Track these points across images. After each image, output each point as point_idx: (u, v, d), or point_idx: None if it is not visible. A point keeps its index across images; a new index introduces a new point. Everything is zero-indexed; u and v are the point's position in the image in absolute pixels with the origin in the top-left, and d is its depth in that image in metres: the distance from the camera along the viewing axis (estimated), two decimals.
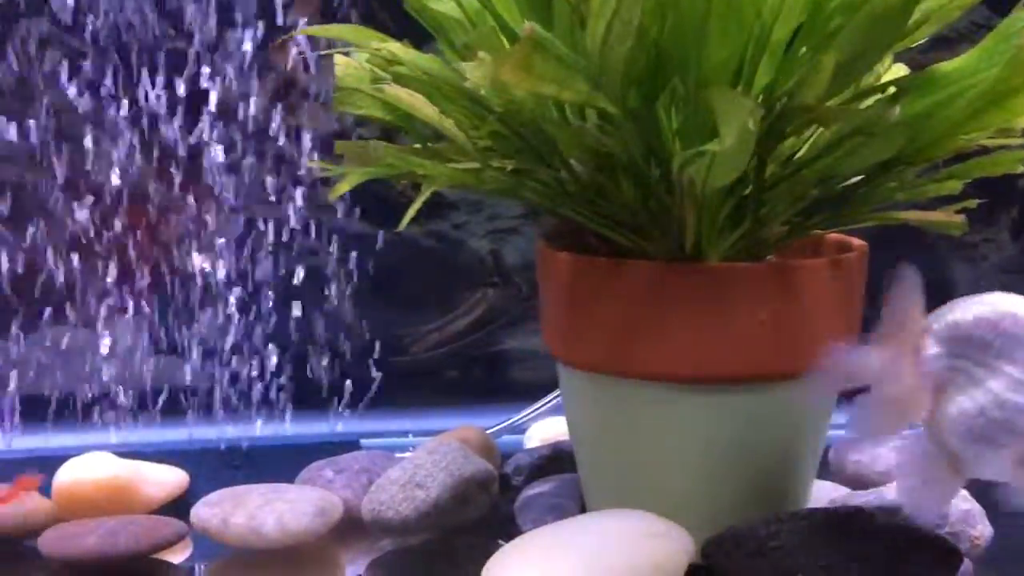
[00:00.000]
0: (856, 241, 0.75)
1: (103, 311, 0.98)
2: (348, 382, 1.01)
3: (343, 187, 0.69)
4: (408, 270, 1.06)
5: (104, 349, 0.98)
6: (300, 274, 1.01)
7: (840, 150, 0.65)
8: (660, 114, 0.65)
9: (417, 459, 0.79)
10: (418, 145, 0.71)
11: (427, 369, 1.07)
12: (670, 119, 0.66)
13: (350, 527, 0.79)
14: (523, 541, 0.65)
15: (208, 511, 0.75)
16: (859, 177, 0.68)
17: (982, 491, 0.73)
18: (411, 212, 0.66)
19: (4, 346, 0.98)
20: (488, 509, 0.80)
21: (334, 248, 1.02)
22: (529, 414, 0.98)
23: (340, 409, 1.01)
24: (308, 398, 1.00)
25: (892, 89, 0.65)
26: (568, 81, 0.56)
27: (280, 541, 0.74)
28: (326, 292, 1.02)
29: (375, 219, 1.03)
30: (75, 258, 0.98)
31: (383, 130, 0.91)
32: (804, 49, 0.64)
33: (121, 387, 0.99)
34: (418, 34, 0.73)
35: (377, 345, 1.03)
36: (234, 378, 1.00)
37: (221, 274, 0.99)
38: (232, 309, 0.99)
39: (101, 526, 0.74)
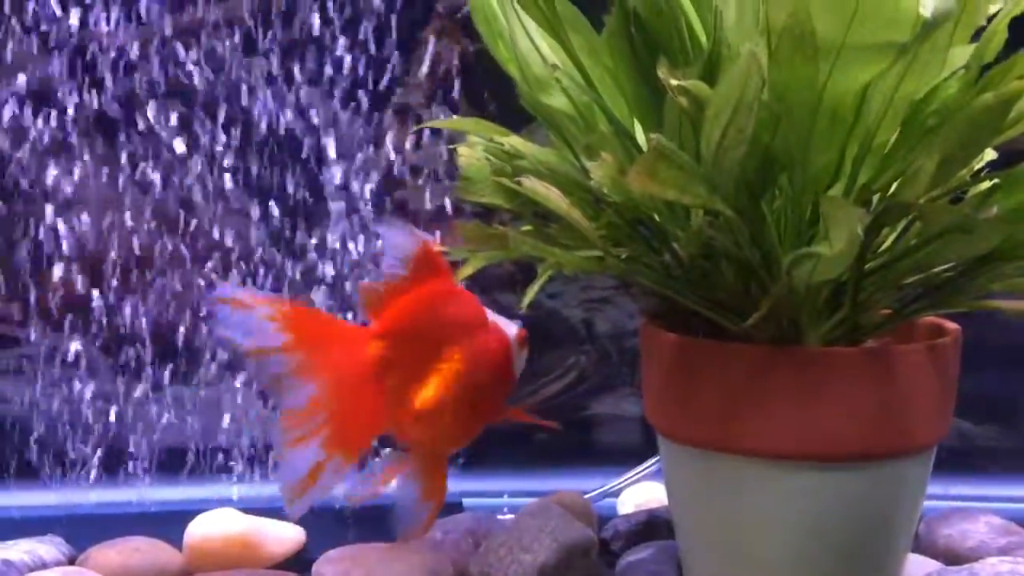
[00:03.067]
0: (950, 325, 0.78)
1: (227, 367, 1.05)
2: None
3: (467, 269, 0.74)
4: None
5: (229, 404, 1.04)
6: None
7: (938, 243, 0.69)
8: (764, 209, 0.70)
9: (521, 523, 0.83)
10: (534, 229, 0.76)
11: (521, 431, 1.12)
12: (772, 212, 0.71)
13: None
14: None
15: (330, 568, 0.80)
16: (955, 267, 0.72)
17: None
18: (531, 293, 0.71)
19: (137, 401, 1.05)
20: (589, 574, 0.83)
21: None
22: (626, 480, 1.02)
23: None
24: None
25: (987, 184, 0.69)
26: (688, 187, 0.61)
27: None
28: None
29: (475, 291, 1.09)
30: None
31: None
32: (903, 149, 0.68)
33: (241, 443, 1.05)
34: (518, 119, 0.80)
35: None
36: None
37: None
38: None
39: None
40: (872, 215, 0.66)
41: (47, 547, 0.85)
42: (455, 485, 1.05)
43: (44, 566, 0.83)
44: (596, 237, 0.69)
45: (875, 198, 0.71)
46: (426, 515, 0.78)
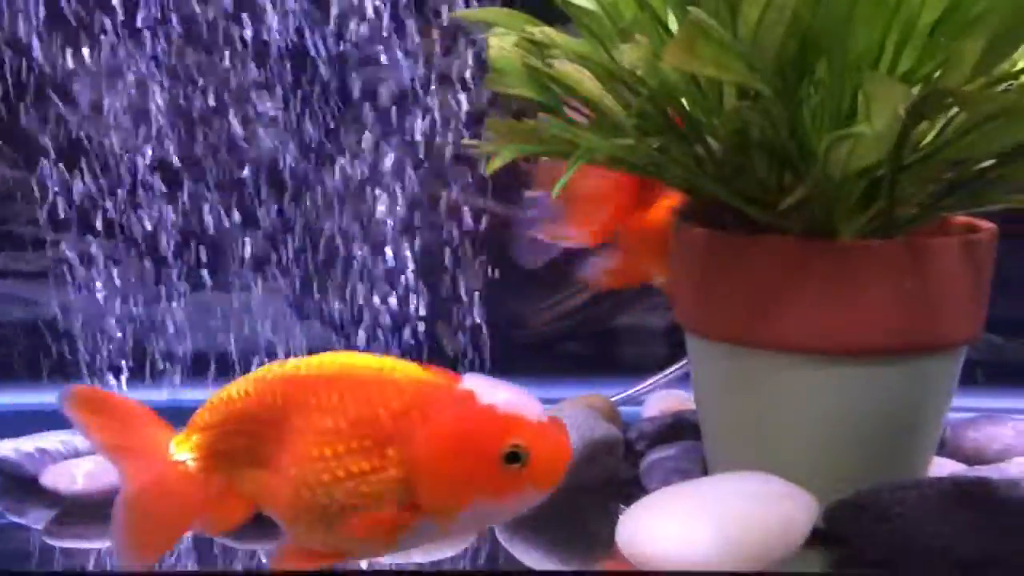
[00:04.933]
0: (985, 223, 0.77)
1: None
2: (473, 351, 1.07)
3: (497, 162, 0.74)
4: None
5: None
6: (428, 249, 1.06)
7: (976, 133, 0.67)
8: (802, 94, 0.68)
9: None
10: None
11: (543, 343, 1.12)
12: (809, 99, 0.69)
13: None
14: (660, 496, 0.69)
15: None
16: (994, 160, 0.70)
17: None
18: (563, 179, 0.70)
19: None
20: (614, 471, 0.84)
21: (462, 225, 1.07)
22: (651, 384, 1.02)
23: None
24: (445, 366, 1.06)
25: None
26: (727, 63, 0.60)
27: None
28: (454, 268, 1.08)
29: (498, 196, 1.08)
30: None
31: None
32: (945, 35, 0.66)
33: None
34: (549, 18, 0.78)
35: (498, 318, 1.08)
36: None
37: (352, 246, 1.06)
38: (354, 280, 1.05)
39: None
40: (913, 101, 0.65)
41: (81, 438, 0.86)
42: None
43: (78, 455, 0.85)
44: (628, 124, 0.68)
45: (916, 89, 0.69)
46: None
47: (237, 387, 0.58)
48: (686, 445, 0.85)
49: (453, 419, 0.54)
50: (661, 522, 0.66)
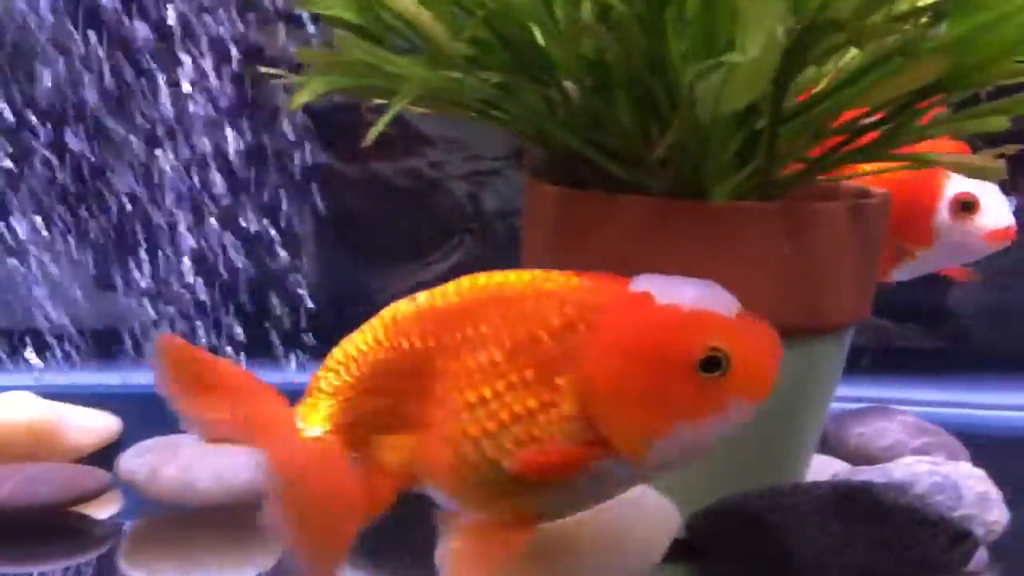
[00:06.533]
0: (878, 189, 0.68)
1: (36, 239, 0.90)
2: (307, 331, 0.93)
3: (303, 95, 0.60)
4: (378, 211, 0.97)
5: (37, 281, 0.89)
6: (257, 211, 0.92)
7: (869, 78, 0.57)
8: (668, 26, 0.57)
9: None
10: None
11: None
12: (676, 29, 0.58)
13: None
14: None
15: (136, 461, 0.67)
16: (889, 111, 0.60)
17: (1001, 473, 0.66)
18: (381, 124, 0.58)
19: None
20: None
21: (296, 184, 0.93)
22: None
23: (299, 358, 0.92)
24: (260, 346, 0.92)
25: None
26: None
27: (217, 499, 0.66)
28: (286, 233, 0.94)
29: (341, 153, 0.95)
30: None
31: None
32: None
33: (54, 323, 0.90)
34: None
35: (340, 293, 0.94)
36: (184, 319, 0.91)
37: (169, 208, 0.90)
38: (181, 246, 0.90)
39: (18, 473, 0.66)
40: (795, 34, 0.54)
41: None
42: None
43: None
44: (456, 52, 0.56)
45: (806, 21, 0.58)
46: None
47: (362, 338, 0.47)
48: None
49: (631, 327, 0.44)
50: None
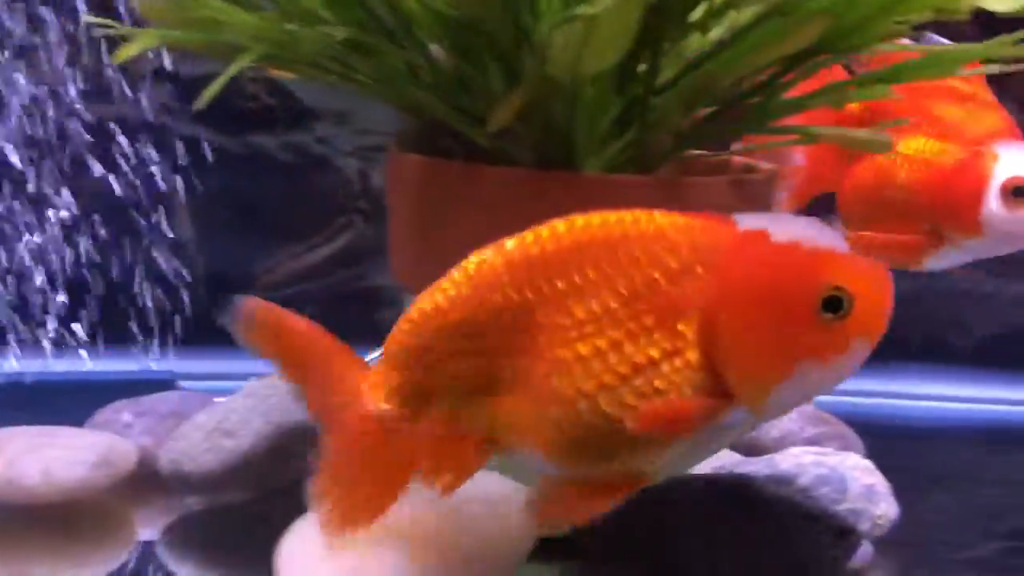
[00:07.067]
0: (764, 164, 0.64)
1: None
2: (179, 315, 0.87)
3: (131, 48, 0.54)
4: (261, 188, 0.91)
5: None
6: (124, 187, 0.85)
7: (746, 41, 0.53)
8: None
9: (232, 403, 0.65)
10: None
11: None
12: None
13: (147, 482, 0.65)
14: None
15: None
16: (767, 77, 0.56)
17: (889, 465, 0.63)
18: (216, 85, 0.52)
19: None
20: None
21: (169, 159, 0.86)
22: (373, 358, 0.85)
23: (168, 346, 0.86)
24: (120, 332, 0.85)
25: None
26: None
27: (45, 496, 0.60)
28: (158, 210, 0.87)
29: (221, 127, 0.88)
30: None
31: None
32: None
33: None
34: None
35: (216, 277, 0.88)
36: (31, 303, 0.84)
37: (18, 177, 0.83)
38: (32, 221, 0.83)
39: None
40: None
41: None
42: (187, 365, 0.87)
43: None
44: (305, 2, 0.50)
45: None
46: None
47: (442, 293, 0.44)
48: None
49: (751, 268, 0.41)
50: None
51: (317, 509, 0.45)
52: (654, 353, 0.41)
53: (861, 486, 0.63)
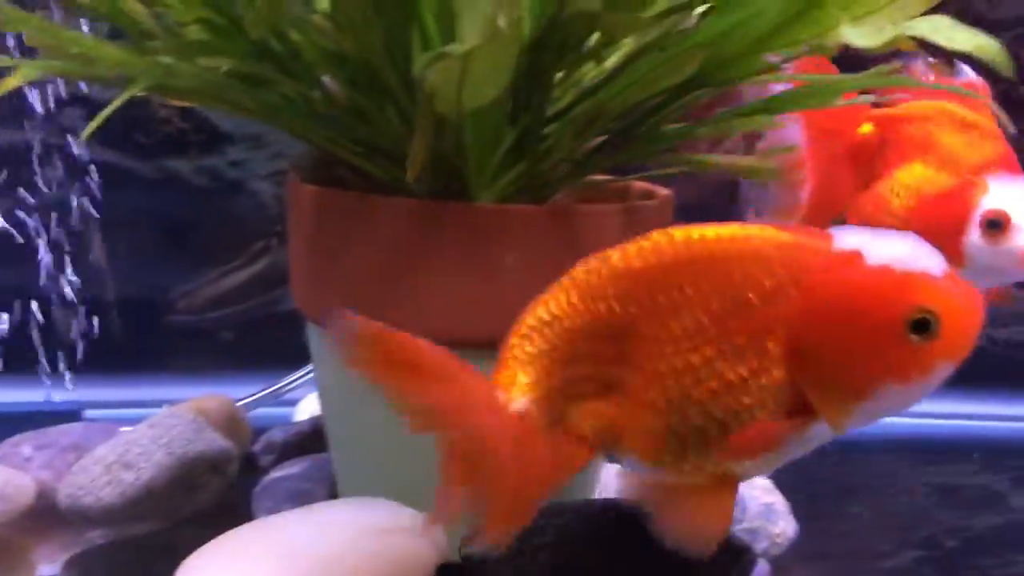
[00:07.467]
0: (662, 190, 0.65)
1: None
2: (83, 344, 0.85)
3: (14, 80, 0.54)
4: (175, 212, 0.90)
5: None
6: (32, 213, 0.84)
7: (630, 74, 0.54)
8: (416, 24, 0.53)
9: (133, 435, 0.65)
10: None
11: (194, 331, 0.92)
12: (420, 24, 0.54)
13: (47, 516, 0.64)
14: (226, 538, 0.52)
15: None
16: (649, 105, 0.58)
17: (788, 483, 0.65)
18: (101, 117, 0.52)
19: None
20: (223, 495, 0.67)
21: (81, 183, 0.85)
22: (288, 384, 0.85)
23: (70, 375, 0.85)
24: (20, 362, 0.84)
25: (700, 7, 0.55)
26: None
27: None
28: (71, 235, 0.86)
29: (134, 152, 0.88)
30: None
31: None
32: None
33: None
34: None
35: (133, 302, 0.87)
36: None
37: None
38: None
39: None
40: (543, 26, 0.50)
41: None
42: (92, 394, 0.85)
43: None
44: (187, 32, 0.50)
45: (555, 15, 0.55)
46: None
47: (555, 301, 0.45)
48: (319, 459, 0.69)
49: (842, 290, 0.43)
50: (215, 572, 0.49)
51: (471, 515, 0.44)
52: (743, 371, 0.44)
53: (759, 505, 0.64)
